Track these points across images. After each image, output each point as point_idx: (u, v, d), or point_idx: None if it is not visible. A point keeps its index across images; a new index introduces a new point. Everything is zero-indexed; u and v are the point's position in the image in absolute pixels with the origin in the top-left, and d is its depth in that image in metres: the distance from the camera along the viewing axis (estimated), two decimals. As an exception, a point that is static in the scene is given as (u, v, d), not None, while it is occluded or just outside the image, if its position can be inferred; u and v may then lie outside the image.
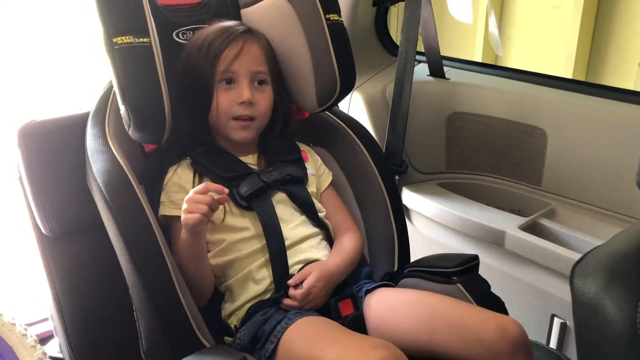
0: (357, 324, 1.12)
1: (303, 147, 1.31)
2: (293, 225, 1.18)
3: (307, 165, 1.28)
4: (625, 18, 3.01)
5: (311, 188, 1.25)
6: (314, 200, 1.24)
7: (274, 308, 1.10)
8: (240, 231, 1.15)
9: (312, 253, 1.18)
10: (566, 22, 3.13)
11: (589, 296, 0.68)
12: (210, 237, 1.17)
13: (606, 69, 3.12)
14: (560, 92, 1.64)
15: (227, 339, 1.14)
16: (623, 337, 0.63)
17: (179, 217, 1.13)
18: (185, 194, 1.14)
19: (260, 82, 1.19)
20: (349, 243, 1.23)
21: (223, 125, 1.18)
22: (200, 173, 1.17)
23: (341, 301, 1.12)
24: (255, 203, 1.16)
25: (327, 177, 1.32)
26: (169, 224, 1.16)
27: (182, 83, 1.18)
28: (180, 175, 1.17)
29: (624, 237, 0.78)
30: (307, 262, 1.16)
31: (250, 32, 1.19)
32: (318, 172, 1.30)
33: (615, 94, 1.56)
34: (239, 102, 1.15)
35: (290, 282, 1.11)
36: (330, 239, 1.26)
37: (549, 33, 3.26)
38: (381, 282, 1.21)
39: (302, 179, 1.24)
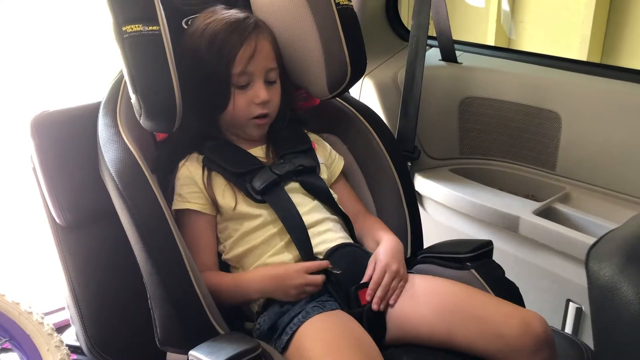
0: (377, 313, 1.10)
1: (312, 136, 1.31)
2: (306, 209, 1.17)
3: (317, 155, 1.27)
4: (641, -2, 2.96)
5: (323, 176, 1.25)
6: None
7: None
8: (255, 219, 1.15)
9: (330, 234, 1.17)
10: (581, 3, 3.08)
11: (605, 279, 0.67)
12: (222, 226, 1.17)
13: (622, 50, 3.08)
14: (575, 75, 1.61)
15: (249, 324, 1.14)
16: (640, 320, 0.63)
17: (189, 210, 1.15)
18: (196, 187, 1.15)
19: (272, 79, 1.18)
20: (381, 222, 1.27)
21: (240, 124, 1.19)
22: (210, 168, 1.17)
23: (361, 290, 1.11)
24: (270, 196, 1.15)
25: (338, 163, 1.31)
26: (179, 217, 1.16)
27: (191, 77, 1.15)
28: (188, 168, 1.17)
29: (641, 220, 0.77)
30: (331, 248, 1.15)
31: (259, 26, 1.17)
32: (328, 160, 1.30)
33: (631, 76, 1.54)
34: (256, 102, 1.15)
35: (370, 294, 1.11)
36: (346, 227, 1.24)
37: (562, 15, 3.21)
38: None
39: (315, 168, 1.23)
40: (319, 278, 1.09)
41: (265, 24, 1.20)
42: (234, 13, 1.19)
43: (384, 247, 1.16)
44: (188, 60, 1.15)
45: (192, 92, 1.15)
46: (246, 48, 1.13)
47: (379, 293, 1.10)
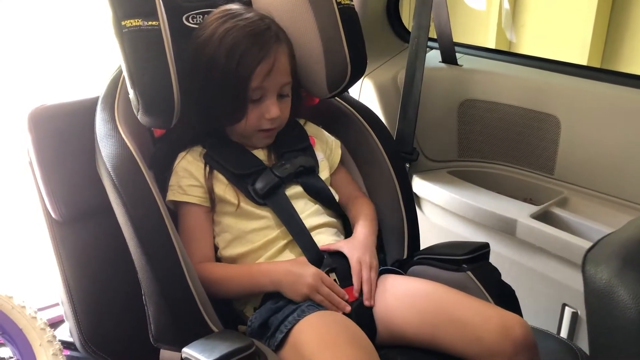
0: (363, 310, 1.11)
1: (310, 128, 1.30)
2: (305, 214, 1.17)
3: (316, 151, 1.27)
4: (642, 4, 2.97)
5: (324, 174, 1.25)
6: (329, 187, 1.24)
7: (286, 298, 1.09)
8: (258, 219, 1.15)
9: (322, 237, 1.17)
10: (582, 7, 3.09)
11: (601, 283, 0.67)
12: (218, 219, 1.17)
13: (622, 55, 3.08)
14: (575, 79, 1.61)
15: (242, 327, 1.14)
16: (636, 324, 0.62)
17: (187, 202, 1.15)
18: (195, 180, 1.15)
19: (284, 93, 1.17)
20: (367, 207, 1.27)
21: (248, 135, 1.18)
22: (212, 166, 1.17)
23: (346, 287, 1.12)
24: (271, 199, 1.15)
25: (337, 152, 1.31)
26: (177, 208, 1.17)
27: (206, 84, 1.14)
28: (190, 162, 1.17)
29: (638, 224, 0.77)
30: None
31: (279, 39, 1.15)
32: (327, 151, 1.30)
33: (631, 81, 1.53)
34: (267, 117, 1.15)
35: (360, 291, 1.11)
36: (346, 231, 1.25)
37: (563, 19, 3.22)
38: (388, 267, 1.21)
39: (314, 168, 1.23)
40: (342, 303, 1.09)
41: (284, 34, 1.18)
42: (254, 19, 1.14)
43: (352, 242, 1.18)
44: (204, 66, 1.13)
45: (204, 99, 1.15)
46: (265, 64, 1.11)
47: (365, 288, 1.11)
